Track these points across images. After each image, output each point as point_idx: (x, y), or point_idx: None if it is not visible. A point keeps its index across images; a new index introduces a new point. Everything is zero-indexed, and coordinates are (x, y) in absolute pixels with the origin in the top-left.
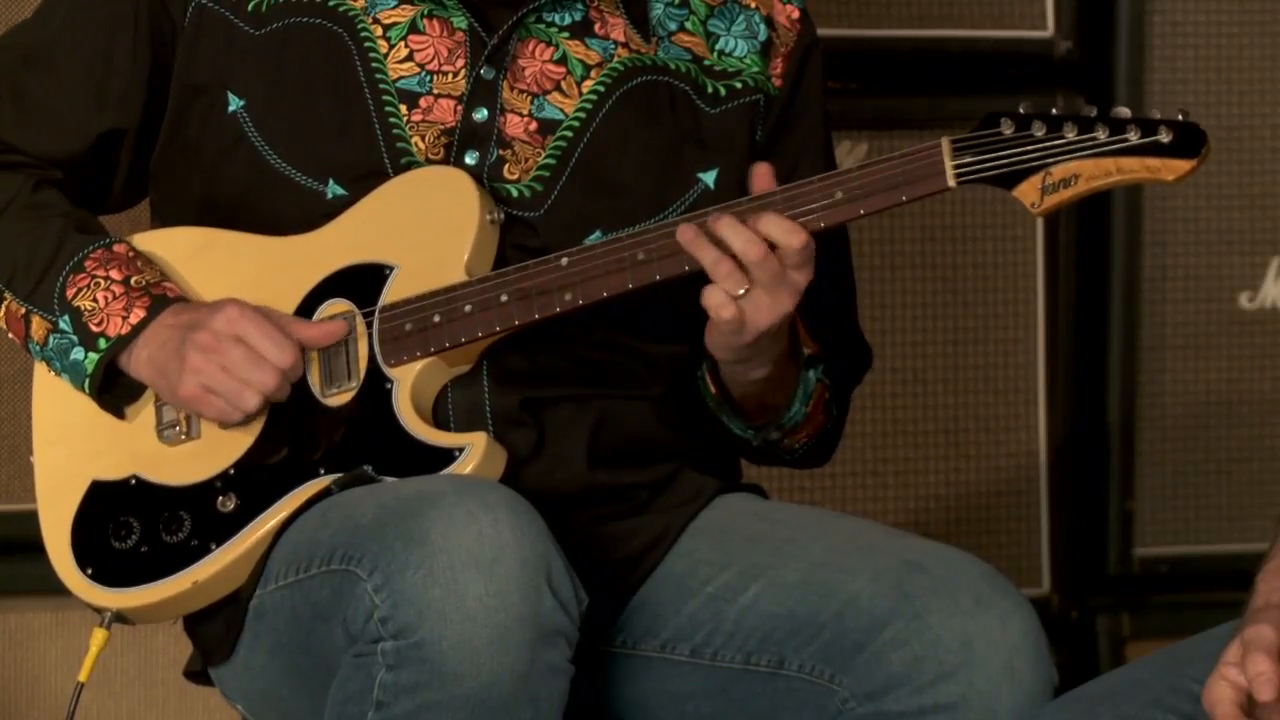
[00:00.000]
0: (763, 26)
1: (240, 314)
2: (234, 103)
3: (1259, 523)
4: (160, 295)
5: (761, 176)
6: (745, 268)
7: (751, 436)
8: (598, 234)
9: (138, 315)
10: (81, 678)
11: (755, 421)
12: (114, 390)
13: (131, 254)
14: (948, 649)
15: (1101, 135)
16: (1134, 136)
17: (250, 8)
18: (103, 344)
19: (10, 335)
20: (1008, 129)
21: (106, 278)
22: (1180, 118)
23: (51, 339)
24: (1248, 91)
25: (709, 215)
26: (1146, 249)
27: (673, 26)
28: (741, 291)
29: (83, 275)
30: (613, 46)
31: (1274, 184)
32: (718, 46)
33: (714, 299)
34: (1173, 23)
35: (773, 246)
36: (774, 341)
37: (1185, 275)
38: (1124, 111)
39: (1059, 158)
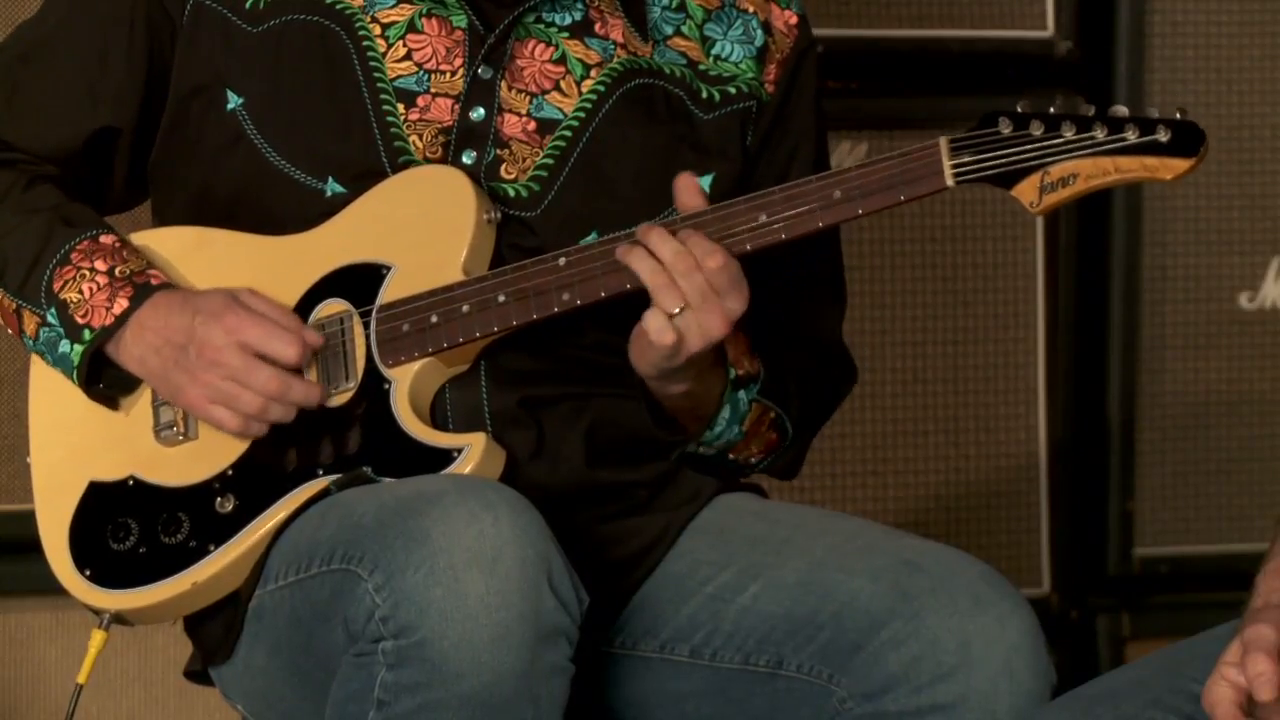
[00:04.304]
0: (760, 32)
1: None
2: (233, 100)
3: (1259, 523)
4: (144, 284)
5: (685, 188)
6: (677, 282)
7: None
8: (594, 235)
9: (121, 305)
10: (81, 679)
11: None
12: (104, 380)
13: (118, 244)
14: (946, 649)
15: (1099, 134)
16: (1132, 136)
17: (248, 5)
18: (87, 335)
19: (7, 329)
20: (1006, 128)
21: (91, 269)
22: (1178, 116)
23: (41, 332)
24: (1248, 91)
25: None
26: (1146, 249)
27: (669, 30)
28: (677, 309)
29: (69, 268)
30: (612, 47)
31: (1274, 184)
32: (713, 51)
33: (654, 323)
34: (1173, 23)
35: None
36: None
37: (1185, 275)
38: (1122, 110)
39: (1057, 157)
